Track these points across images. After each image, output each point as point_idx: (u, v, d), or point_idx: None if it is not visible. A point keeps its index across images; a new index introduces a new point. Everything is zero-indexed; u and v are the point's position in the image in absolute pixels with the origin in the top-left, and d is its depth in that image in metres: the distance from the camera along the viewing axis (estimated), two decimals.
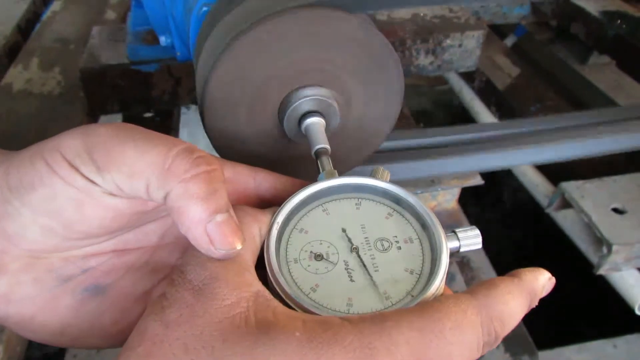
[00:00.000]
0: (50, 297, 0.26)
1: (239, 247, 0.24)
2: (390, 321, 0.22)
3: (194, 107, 0.94)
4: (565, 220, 0.74)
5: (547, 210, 0.74)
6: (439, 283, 0.25)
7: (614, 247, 0.61)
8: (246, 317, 0.22)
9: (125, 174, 0.24)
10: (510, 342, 0.60)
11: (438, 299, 0.24)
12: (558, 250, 0.76)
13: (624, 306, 0.66)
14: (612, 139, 0.66)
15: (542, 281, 0.26)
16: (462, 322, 0.22)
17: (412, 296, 0.25)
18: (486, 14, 1.16)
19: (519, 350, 0.59)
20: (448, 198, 0.70)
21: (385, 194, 0.29)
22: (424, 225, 0.27)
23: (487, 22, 1.16)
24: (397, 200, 0.29)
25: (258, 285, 0.24)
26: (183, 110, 0.89)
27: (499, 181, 0.98)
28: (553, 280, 0.26)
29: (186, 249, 0.25)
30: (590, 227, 0.65)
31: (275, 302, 0.23)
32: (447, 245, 0.26)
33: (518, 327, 0.62)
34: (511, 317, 0.24)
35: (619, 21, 0.89)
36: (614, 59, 0.97)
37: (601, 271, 0.64)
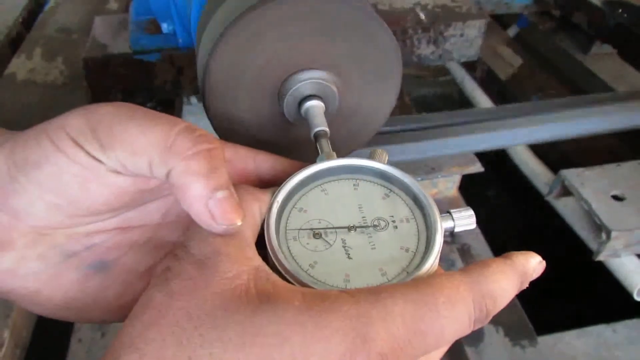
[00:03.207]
0: (55, 272, 0.27)
1: (239, 222, 0.24)
2: (386, 293, 0.22)
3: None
4: (565, 208, 0.75)
5: (548, 198, 0.74)
6: (433, 260, 0.26)
7: (613, 234, 0.61)
8: (247, 289, 0.22)
9: (128, 152, 0.24)
10: (509, 327, 0.61)
11: (432, 275, 0.24)
12: (559, 237, 0.77)
13: (623, 292, 0.66)
14: (604, 119, 0.67)
15: (532, 264, 0.26)
16: (454, 297, 0.23)
17: (407, 272, 0.26)
18: (489, 4, 1.16)
19: (519, 336, 0.60)
20: (449, 186, 0.70)
21: (382, 175, 0.30)
22: (420, 206, 0.28)
23: (489, 12, 1.16)
24: (393, 181, 0.29)
25: (258, 261, 0.24)
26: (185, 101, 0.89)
27: (500, 170, 0.99)
28: (543, 263, 0.27)
29: (188, 226, 0.26)
30: (590, 215, 0.66)
31: (275, 276, 0.24)
32: (442, 224, 0.27)
33: (518, 312, 0.62)
34: (502, 295, 0.24)
35: (620, 10, 0.89)
36: (615, 48, 0.97)
37: (600, 257, 0.65)
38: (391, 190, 0.29)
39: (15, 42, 0.97)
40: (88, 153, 0.24)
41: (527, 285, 0.26)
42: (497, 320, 0.61)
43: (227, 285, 0.22)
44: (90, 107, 0.25)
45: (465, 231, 0.27)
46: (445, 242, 0.69)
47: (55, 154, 0.24)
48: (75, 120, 0.25)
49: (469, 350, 0.58)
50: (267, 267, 0.24)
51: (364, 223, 0.27)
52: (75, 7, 1.04)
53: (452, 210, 0.27)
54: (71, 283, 0.27)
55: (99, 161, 0.24)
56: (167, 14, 0.57)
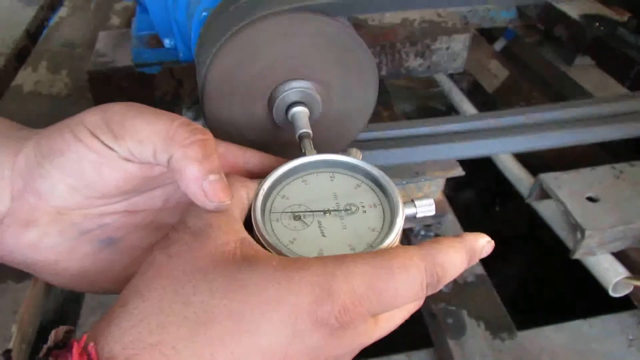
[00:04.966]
0: (72, 246, 0.31)
1: (228, 201, 0.29)
2: (349, 258, 0.26)
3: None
4: (546, 210, 0.78)
5: (528, 201, 0.78)
6: (393, 237, 0.30)
7: (587, 232, 0.65)
8: (234, 253, 0.26)
9: (136, 141, 0.28)
10: (490, 321, 0.64)
11: (391, 248, 0.28)
12: (540, 238, 0.81)
13: (599, 288, 0.69)
14: (585, 130, 0.71)
15: (481, 242, 0.30)
16: (408, 263, 0.26)
17: (372, 247, 0.30)
18: (474, 18, 1.21)
19: (499, 329, 0.63)
20: (433, 189, 0.74)
21: (355, 168, 0.34)
22: (386, 194, 0.32)
23: (476, 26, 1.21)
24: (365, 173, 0.34)
25: (244, 233, 0.28)
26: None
27: (487, 176, 1.03)
28: (492, 243, 0.30)
29: (185, 209, 0.30)
30: (566, 215, 0.69)
31: (258, 246, 0.28)
32: (403, 209, 0.31)
33: (498, 308, 0.66)
34: (452, 266, 0.28)
35: (597, 24, 0.94)
36: (594, 60, 1.02)
37: (577, 255, 0.68)
38: (362, 181, 0.33)
39: (21, 56, 1.01)
40: (103, 142, 0.28)
41: (477, 261, 0.30)
42: (478, 315, 0.65)
43: (217, 249, 0.26)
44: (104, 106, 0.30)
45: (426, 217, 0.31)
46: None
47: (75, 144, 0.28)
48: (92, 116, 0.29)
49: (451, 343, 0.62)
50: (251, 239, 0.28)
51: (338, 208, 0.32)
52: (78, 23, 1.09)
53: (415, 199, 0.32)
54: (85, 255, 0.31)
55: (112, 149, 0.29)
56: (169, 31, 0.61)
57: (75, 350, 0.22)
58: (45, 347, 0.24)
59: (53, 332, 0.24)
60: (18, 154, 0.30)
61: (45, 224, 0.30)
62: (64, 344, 0.23)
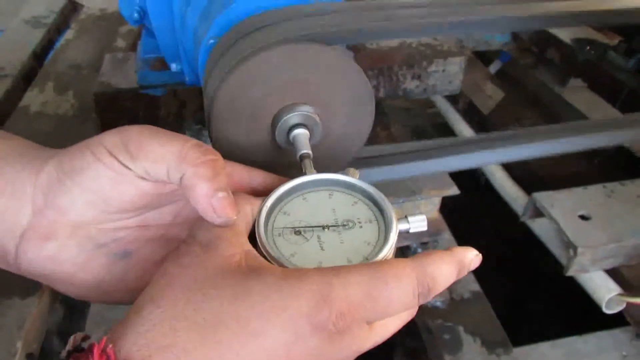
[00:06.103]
0: (88, 258, 0.33)
1: (234, 217, 0.31)
2: (346, 268, 0.28)
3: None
4: (540, 228, 0.80)
5: (522, 219, 0.80)
6: (387, 250, 0.32)
7: (579, 250, 0.67)
8: (239, 264, 0.29)
9: (151, 161, 0.31)
10: (486, 337, 0.65)
11: (385, 260, 0.30)
12: (535, 256, 0.82)
13: (593, 305, 0.71)
14: (568, 140, 0.72)
15: (470, 256, 0.32)
16: (400, 273, 0.28)
17: (367, 259, 0.32)
18: (470, 42, 1.24)
19: (495, 345, 0.65)
20: (430, 208, 0.76)
21: (352, 186, 0.36)
22: (381, 210, 0.34)
23: (471, 49, 1.24)
24: (361, 191, 0.36)
25: (249, 246, 0.31)
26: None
27: (483, 195, 1.05)
28: (480, 257, 0.32)
29: (194, 223, 0.32)
30: (560, 234, 0.71)
31: (261, 258, 0.30)
32: (397, 224, 0.33)
33: (494, 324, 0.67)
34: (442, 277, 0.30)
35: (587, 47, 0.97)
36: (585, 82, 1.05)
37: (571, 272, 0.70)
38: (359, 199, 0.36)
39: (28, 77, 1.04)
40: (121, 162, 0.31)
41: (465, 274, 0.32)
42: (474, 331, 0.66)
43: (225, 261, 0.28)
44: (122, 128, 0.32)
45: (420, 232, 0.33)
46: None
47: (95, 163, 0.31)
48: (110, 137, 0.31)
49: (448, 358, 0.63)
50: (255, 252, 0.30)
51: (336, 223, 0.34)
52: (84, 45, 1.11)
53: (408, 215, 0.34)
54: (101, 267, 0.33)
55: (129, 168, 0.31)
56: (176, 56, 0.63)
57: (96, 351, 0.24)
58: (65, 350, 0.25)
59: (72, 338, 0.26)
60: (40, 172, 0.32)
61: (63, 237, 0.32)
62: (82, 349, 0.25)
